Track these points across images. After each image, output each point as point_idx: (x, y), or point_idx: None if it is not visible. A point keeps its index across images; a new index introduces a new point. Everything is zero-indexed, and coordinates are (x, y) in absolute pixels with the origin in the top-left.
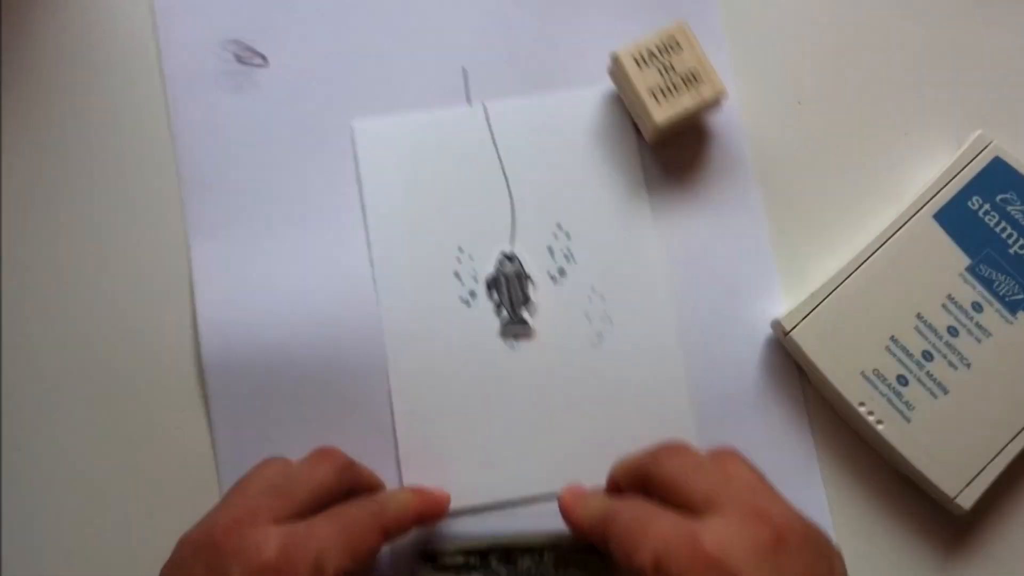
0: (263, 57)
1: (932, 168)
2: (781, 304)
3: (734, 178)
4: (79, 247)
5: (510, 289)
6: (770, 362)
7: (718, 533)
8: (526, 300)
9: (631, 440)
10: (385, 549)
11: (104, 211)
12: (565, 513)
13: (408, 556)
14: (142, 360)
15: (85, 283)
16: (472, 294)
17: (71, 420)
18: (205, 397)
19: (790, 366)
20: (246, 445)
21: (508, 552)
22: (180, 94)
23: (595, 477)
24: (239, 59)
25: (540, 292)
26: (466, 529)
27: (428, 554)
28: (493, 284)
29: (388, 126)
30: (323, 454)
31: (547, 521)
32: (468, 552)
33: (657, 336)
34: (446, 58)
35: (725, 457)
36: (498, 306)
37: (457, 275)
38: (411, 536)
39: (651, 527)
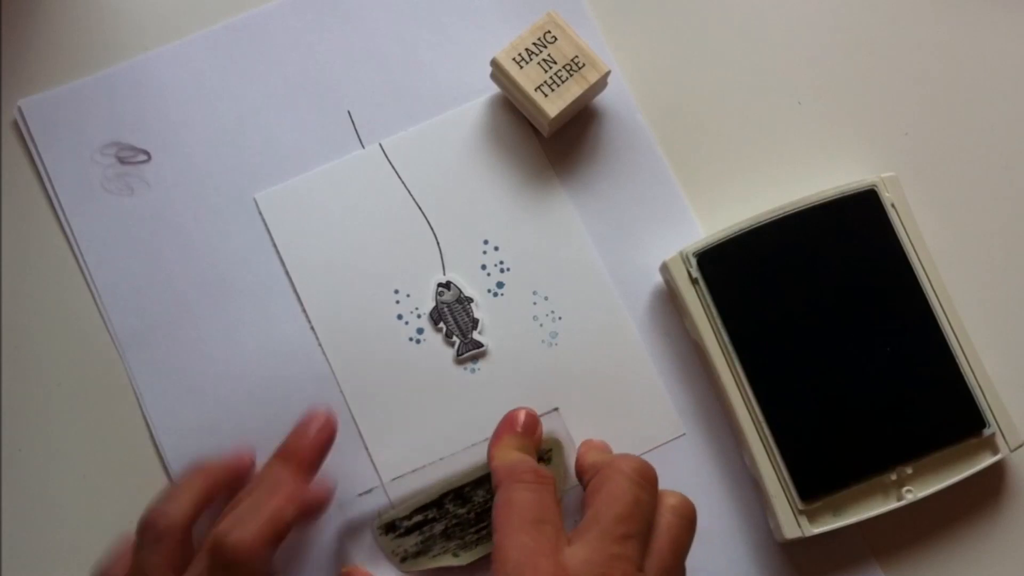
0: (146, 152)
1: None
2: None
3: (636, 147)
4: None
5: (455, 316)
6: None
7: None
8: (474, 323)
9: (610, 425)
10: (332, 532)
11: (30, 344)
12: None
13: (368, 536)
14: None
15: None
16: (420, 331)
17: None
18: None
19: None
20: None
21: (460, 491)
22: (75, 209)
23: None
24: (122, 160)
25: (485, 310)
26: (412, 486)
27: (386, 527)
28: (437, 316)
29: (291, 190)
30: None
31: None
32: (424, 508)
33: (608, 318)
34: (330, 109)
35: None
36: (448, 336)
37: (400, 317)
38: (366, 515)
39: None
